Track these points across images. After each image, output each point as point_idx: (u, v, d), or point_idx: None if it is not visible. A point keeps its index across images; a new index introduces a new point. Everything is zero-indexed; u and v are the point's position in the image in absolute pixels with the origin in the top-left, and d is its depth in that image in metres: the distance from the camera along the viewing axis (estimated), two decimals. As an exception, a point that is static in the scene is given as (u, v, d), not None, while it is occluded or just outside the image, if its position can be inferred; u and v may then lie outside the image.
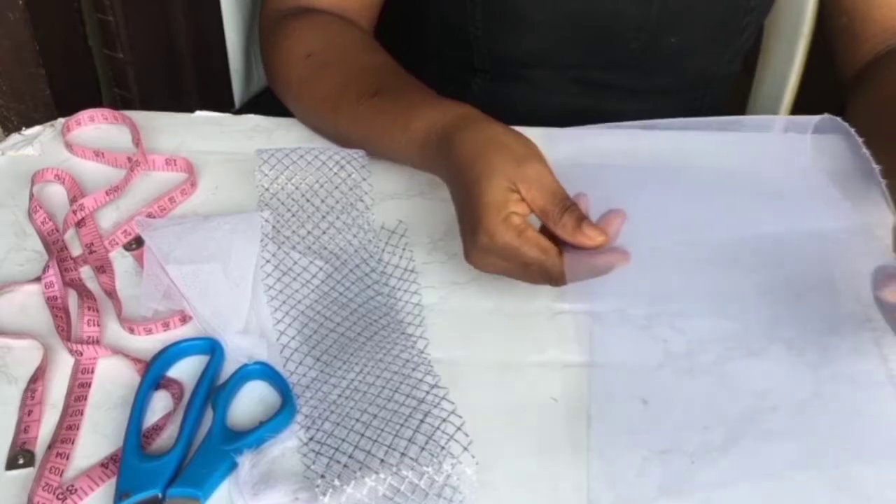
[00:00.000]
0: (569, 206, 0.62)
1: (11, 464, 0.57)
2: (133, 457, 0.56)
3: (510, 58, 0.89)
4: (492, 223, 0.61)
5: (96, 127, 0.83)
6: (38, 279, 0.67)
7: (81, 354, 0.63)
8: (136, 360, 0.62)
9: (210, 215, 0.72)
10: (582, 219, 0.62)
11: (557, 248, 0.62)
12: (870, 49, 0.84)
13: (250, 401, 0.61)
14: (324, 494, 0.53)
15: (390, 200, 0.76)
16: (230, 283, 0.66)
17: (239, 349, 0.63)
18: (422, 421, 0.57)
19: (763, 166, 0.73)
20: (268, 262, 0.68)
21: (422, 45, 0.96)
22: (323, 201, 0.73)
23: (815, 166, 0.73)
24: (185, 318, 0.65)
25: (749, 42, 0.94)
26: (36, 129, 0.82)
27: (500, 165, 0.63)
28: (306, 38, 0.81)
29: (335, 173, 0.74)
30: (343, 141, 0.78)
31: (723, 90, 0.96)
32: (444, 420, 0.57)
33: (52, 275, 0.67)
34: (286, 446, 0.58)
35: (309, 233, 0.71)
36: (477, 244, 0.62)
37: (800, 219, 0.72)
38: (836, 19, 0.87)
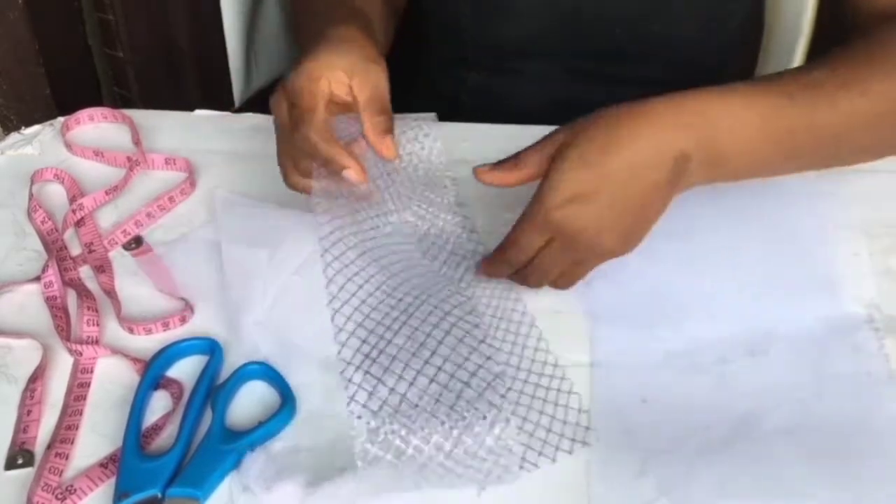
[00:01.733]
0: (387, 112, 0.64)
1: (11, 464, 0.57)
2: (132, 457, 0.56)
3: (499, 48, 0.89)
4: (313, 70, 0.63)
5: (96, 126, 0.83)
6: (37, 279, 0.67)
7: (81, 354, 0.63)
8: (135, 360, 0.62)
9: (285, 205, 0.73)
10: (389, 129, 0.63)
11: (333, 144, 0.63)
12: (866, 18, 0.82)
13: (250, 401, 0.61)
14: (371, 444, 0.53)
15: (390, 200, 0.76)
16: (268, 272, 0.66)
17: (248, 338, 0.63)
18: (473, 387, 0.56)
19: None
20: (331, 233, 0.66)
21: (419, 41, 0.96)
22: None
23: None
24: (184, 319, 0.65)
25: (742, 32, 0.93)
26: (35, 128, 0.82)
27: (349, 52, 0.65)
28: None
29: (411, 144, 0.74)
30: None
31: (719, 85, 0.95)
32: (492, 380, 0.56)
33: (52, 274, 0.67)
34: (286, 445, 0.58)
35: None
36: (290, 76, 0.64)
37: (796, 215, 0.72)
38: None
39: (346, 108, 0.65)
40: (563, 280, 0.64)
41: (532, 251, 0.62)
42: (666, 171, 0.58)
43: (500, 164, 0.63)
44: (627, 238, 0.61)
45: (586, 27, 0.86)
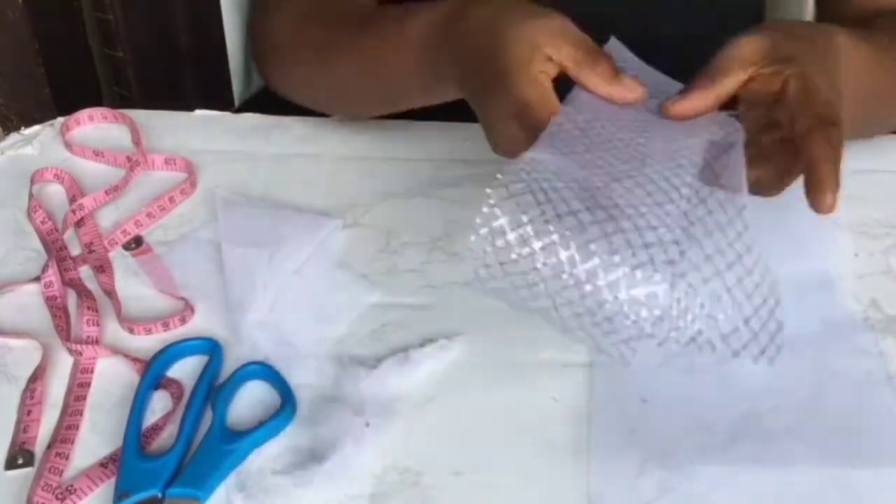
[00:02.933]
0: (602, 55, 0.57)
1: (11, 464, 0.57)
2: (132, 456, 0.56)
3: None
4: (520, 82, 0.56)
5: (96, 126, 0.83)
6: (37, 279, 0.67)
7: (81, 354, 0.63)
8: (135, 360, 0.62)
9: (285, 205, 0.73)
10: (616, 70, 0.57)
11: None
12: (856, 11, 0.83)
13: (250, 401, 0.61)
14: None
15: (390, 200, 0.76)
16: (268, 272, 0.66)
17: (248, 338, 0.63)
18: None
19: None
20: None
21: None
22: None
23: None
24: (184, 319, 0.65)
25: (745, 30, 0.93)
26: (35, 128, 0.82)
27: (520, 23, 0.57)
28: (297, 2, 0.80)
29: None
30: (336, 86, 0.76)
31: None
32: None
33: (52, 274, 0.67)
34: (286, 445, 0.58)
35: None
36: (504, 111, 0.56)
37: (795, 216, 0.72)
38: None
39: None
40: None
41: None
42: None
43: (686, 88, 0.57)
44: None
45: (597, 27, 0.86)
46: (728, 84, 0.57)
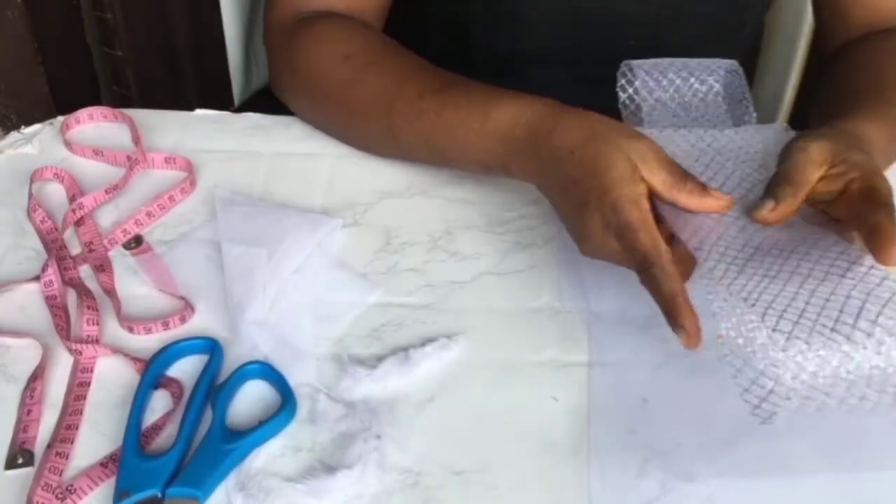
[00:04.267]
0: (688, 175, 0.61)
1: (11, 463, 0.57)
2: (132, 456, 0.56)
3: (509, 55, 0.89)
4: (622, 198, 0.60)
5: (95, 125, 0.83)
6: (37, 278, 0.67)
7: (81, 353, 0.63)
8: (135, 360, 0.62)
9: (285, 205, 0.73)
10: (705, 186, 0.61)
11: (667, 247, 0.59)
12: (856, 26, 0.84)
13: (250, 400, 0.61)
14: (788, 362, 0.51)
15: (390, 199, 0.76)
16: (268, 272, 0.66)
17: (248, 338, 0.63)
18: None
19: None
20: None
21: (422, 43, 0.96)
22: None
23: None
24: (184, 318, 0.65)
25: (750, 39, 0.93)
26: (35, 127, 0.82)
27: (617, 141, 0.62)
28: (339, 39, 0.79)
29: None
30: (395, 146, 0.76)
31: None
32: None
33: (52, 273, 0.67)
34: (286, 445, 0.58)
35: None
36: (600, 221, 0.60)
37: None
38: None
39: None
40: None
41: None
42: None
43: (777, 196, 0.62)
44: None
45: (599, 37, 0.85)
46: (808, 189, 0.62)
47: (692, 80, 0.70)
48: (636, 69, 0.70)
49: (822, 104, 0.78)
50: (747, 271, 0.59)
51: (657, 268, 0.58)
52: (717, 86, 0.71)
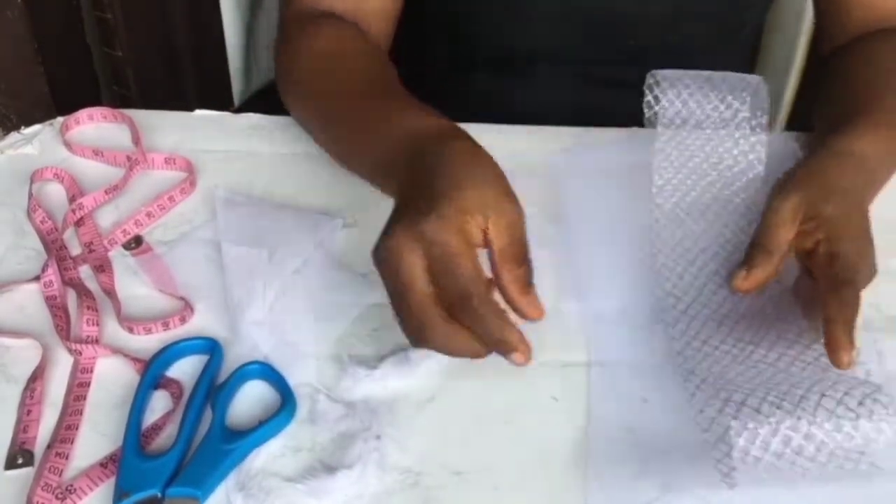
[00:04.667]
0: (528, 262, 0.57)
1: (11, 463, 0.57)
2: (132, 456, 0.56)
3: (512, 53, 0.89)
4: (452, 217, 0.54)
5: (95, 125, 0.83)
6: (36, 278, 0.67)
7: (81, 354, 0.63)
8: (135, 360, 0.62)
9: (285, 205, 0.73)
10: (531, 284, 0.57)
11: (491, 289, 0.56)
12: (856, 27, 0.84)
13: (250, 401, 0.61)
14: (738, 436, 0.52)
15: (390, 200, 0.75)
16: (268, 272, 0.67)
17: (248, 338, 0.63)
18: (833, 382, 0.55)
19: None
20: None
21: (425, 41, 0.96)
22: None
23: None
24: (184, 318, 0.65)
25: (750, 39, 0.94)
26: (35, 127, 0.82)
27: (483, 184, 0.57)
28: (324, 37, 0.80)
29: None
30: (328, 142, 0.77)
31: None
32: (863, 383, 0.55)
33: (51, 274, 0.67)
34: (286, 445, 0.58)
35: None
36: (422, 224, 0.54)
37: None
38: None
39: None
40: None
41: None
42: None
43: (750, 264, 0.62)
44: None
45: (601, 35, 0.86)
46: (781, 253, 0.62)
47: (719, 104, 0.71)
48: (662, 82, 0.70)
49: (822, 106, 0.78)
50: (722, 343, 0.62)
51: (478, 299, 0.54)
52: (743, 110, 0.71)
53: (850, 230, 0.62)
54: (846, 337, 0.56)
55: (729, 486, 0.53)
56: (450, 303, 0.54)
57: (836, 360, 0.56)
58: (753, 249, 0.63)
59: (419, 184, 0.58)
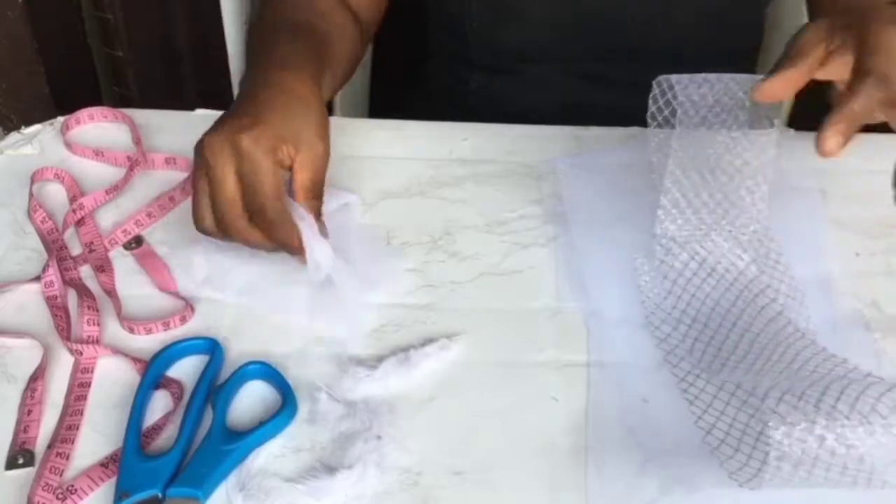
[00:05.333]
0: (321, 197, 0.65)
1: (11, 463, 0.57)
2: (133, 456, 0.56)
3: (507, 52, 0.89)
4: (268, 140, 0.62)
5: (96, 125, 0.83)
6: (37, 278, 0.67)
7: (81, 354, 0.63)
8: (135, 360, 0.62)
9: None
10: (321, 215, 0.64)
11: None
12: None
13: (250, 401, 0.61)
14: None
15: (390, 200, 0.76)
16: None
17: (312, 254, 0.64)
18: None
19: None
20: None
21: (421, 41, 0.96)
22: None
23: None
24: (185, 318, 0.65)
25: (747, 37, 0.93)
26: (35, 127, 0.82)
27: (303, 121, 0.64)
28: (287, 4, 0.81)
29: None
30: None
31: None
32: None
33: (52, 274, 0.67)
34: (286, 445, 0.58)
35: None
36: (242, 138, 0.62)
37: (796, 216, 0.72)
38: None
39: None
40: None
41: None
42: None
43: (771, 70, 0.61)
44: None
45: (596, 33, 0.86)
46: (807, 63, 0.61)
47: (724, 97, 0.70)
48: (675, 86, 0.70)
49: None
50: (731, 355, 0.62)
51: (272, 212, 0.62)
52: (745, 100, 0.70)
53: (881, 46, 0.60)
54: (842, 121, 0.56)
55: (751, 488, 0.53)
56: (250, 209, 0.62)
57: (820, 141, 0.57)
58: (776, 63, 0.62)
59: (251, 105, 0.65)
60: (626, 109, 0.74)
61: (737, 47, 0.92)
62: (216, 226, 0.64)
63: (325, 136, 0.66)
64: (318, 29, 0.77)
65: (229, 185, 0.62)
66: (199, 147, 0.64)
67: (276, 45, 0.73)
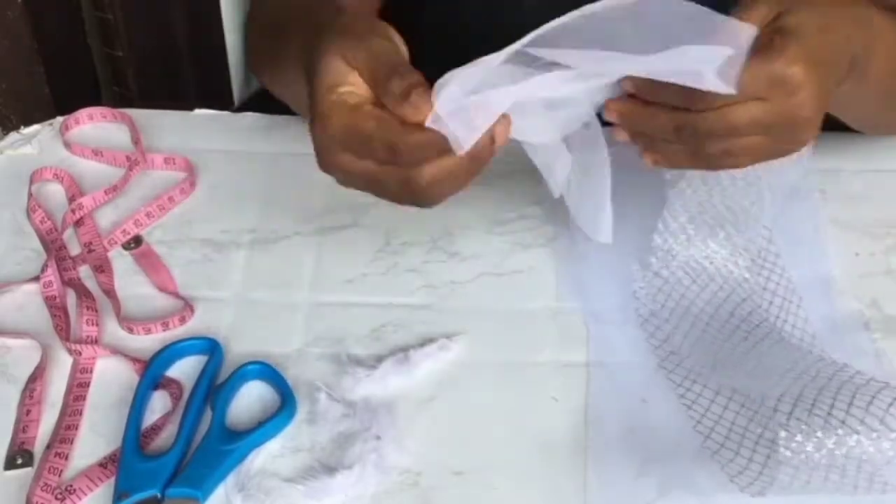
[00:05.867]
0: (402, 72, 0.53)
1: (10, 464, 0.57)
2: (132, 457, 0.56)
3: (504, 47, 0.89)
4: (325, 105, 0.53)
5: (95, 125, 0.83)
6: (36, 278, 0.67)
7: (80, 354, 0.63)
8: (134, 360, 0.62)
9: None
10: (416, 86, 0.53)
11: (404, 122, 0.53)
12: None
13: (249, 401, 0.61)
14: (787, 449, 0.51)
15: (390, 200, 0.76)
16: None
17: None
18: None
19: None
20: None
21: (418, 38, 0.96)
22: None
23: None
24: (184, 319, 0.65)
25: None
26: (35, 127, 0.82)
27: (337, 43, 0.55)
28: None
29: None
30: (268, 73, 0.78)
31: None
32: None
33: (51, 274, 0.67)
34: (286, 445, 0.58)
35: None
36: (320, 141, 0.54)
37: (796, 216, 0.71)
38: None
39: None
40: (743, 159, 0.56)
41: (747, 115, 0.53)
42: (845, 68, 0.57)
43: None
44: (814, 129, 0.56)
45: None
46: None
47: None
48: None
49: None
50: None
51: (398, 138, 0.53)
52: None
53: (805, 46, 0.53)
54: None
55: (752, 494, 0.53)
56: (383, 159, 0.54)
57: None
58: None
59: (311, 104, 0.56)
60: None
61: None
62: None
63: (364, 31, 0.55)
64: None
65: (371, 172, 0.54)
66: (326, 169, 0.57)
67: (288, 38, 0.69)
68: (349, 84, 0.54)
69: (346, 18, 0.60)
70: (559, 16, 0.78)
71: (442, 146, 0.53)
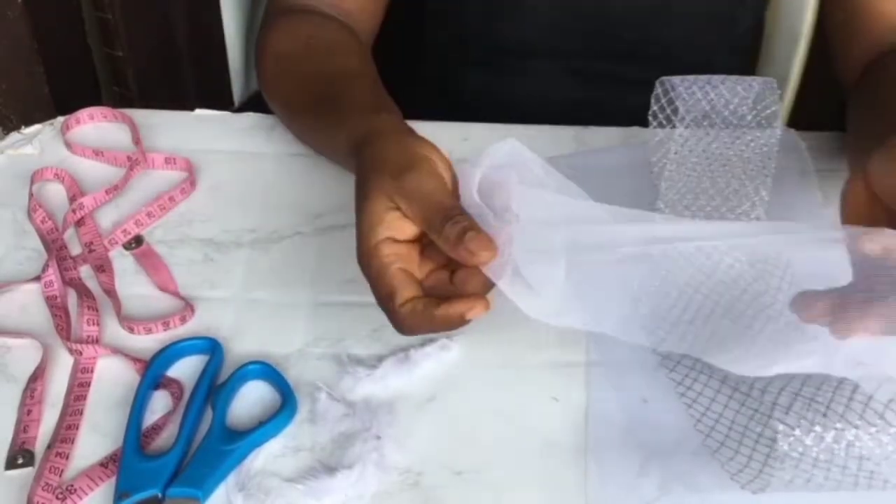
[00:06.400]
0: (454, 215, 0.55)
1: (11, 463, 0.57)
2: (133, 456, 0.56)
3: (504, 47, 0.89)
4: (363, 251, 0.56)
5: (96, 125, 0.83)
6: (37, 278, 0.67)
7: (81, 354, 0.63)
8: (135, 360, 0.62)
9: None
10: (469, 229, 0.54)
11: (406, 296, 0.55)
12: (871, 46, 0.79)
13: (250, 401, 0.61)
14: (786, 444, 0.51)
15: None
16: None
17: None
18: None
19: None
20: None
21: (420, 39, 0.96)
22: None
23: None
24: (184, 318, 0.65)
25: (747, 38, 0.94)
26: (35, 127, 0.82)
27: (378, 183, 0.56)
28: (285, 37, 0.80)
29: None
30: (307, 143, 0.78)
31: None
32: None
33: (52, 274, 0.67)
34: (286, 445, 0.58)
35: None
36: (359, 246, 0.57)
37: (796, 216, 0.72)
38: (834, 15, 0.86)
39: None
40: None
41: None
42: None
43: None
44: None
45: (594, 29, 0.86)
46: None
47: (731, 104, 0.70)
48: (677, 87, 0.69)
49: (858, 140, 0.73)
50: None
51: (391, 313, 0.56)
52: (755, 110, 0.70)
53: None
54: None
55: (752, 491, 0.53)
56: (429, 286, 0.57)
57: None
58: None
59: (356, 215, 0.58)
60: (626, 107, 0.74)
61: (736, 46, 0.92)
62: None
63: (403, 165, 0.57)
64: (335, 78, 0.75)
65: (402, 288, 0.56)
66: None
67: (326, 97, 0.71)
68: (388, 228, 0.56)
69: (391, 144, 0.60)
70: (559, 16, 0.79)
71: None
